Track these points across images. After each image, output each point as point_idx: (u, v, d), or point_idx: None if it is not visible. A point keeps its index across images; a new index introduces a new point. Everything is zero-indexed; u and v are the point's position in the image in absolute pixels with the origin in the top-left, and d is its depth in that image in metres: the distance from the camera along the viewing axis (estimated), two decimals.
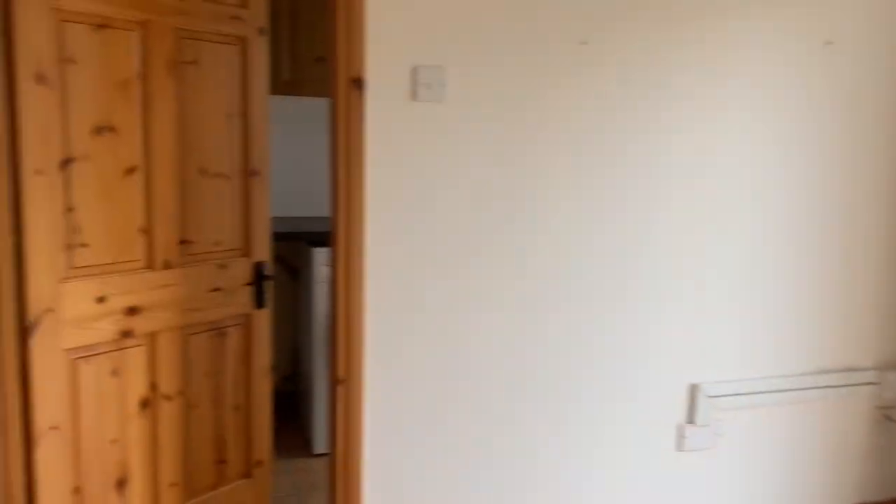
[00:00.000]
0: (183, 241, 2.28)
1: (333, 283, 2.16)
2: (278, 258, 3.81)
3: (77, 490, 2.09)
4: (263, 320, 2.55)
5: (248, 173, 2.44)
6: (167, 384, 2.29)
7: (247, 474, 2.58)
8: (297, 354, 3.86)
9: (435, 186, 2.28)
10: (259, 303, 2.50)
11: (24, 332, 1.93)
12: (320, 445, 3.36)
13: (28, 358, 1.94)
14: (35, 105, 1.89)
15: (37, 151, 1.90)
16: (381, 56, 2.14)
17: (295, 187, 3.86)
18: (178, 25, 2.18)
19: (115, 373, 2.16)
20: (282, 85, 3.43)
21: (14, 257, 1.90)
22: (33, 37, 1.87)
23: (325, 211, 3.80)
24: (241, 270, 2.45)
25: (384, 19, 2.14)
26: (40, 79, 1.89)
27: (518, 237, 2.39)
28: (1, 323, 1.90)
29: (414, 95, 2.19)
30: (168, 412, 2.30)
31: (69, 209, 1.99)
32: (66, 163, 1.97)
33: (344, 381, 2.18)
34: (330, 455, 2.29)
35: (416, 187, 2.26)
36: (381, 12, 2.13)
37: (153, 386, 2.26)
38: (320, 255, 3.23)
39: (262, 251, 2.51)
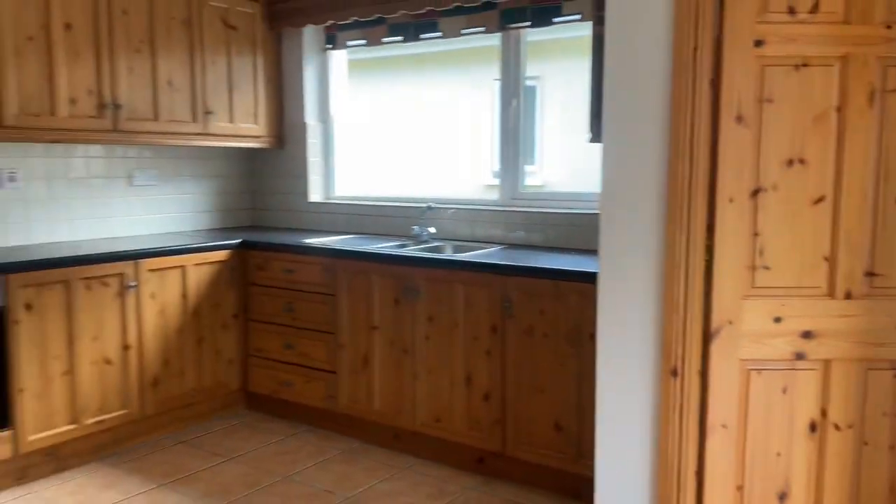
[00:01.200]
0: (869, 273, 2.24)
1: None
2: None
3: (739, 488, 2.30)
4: None
5: None
6: (837, 413, 2.28)
7: None
8: None
9: None
10: None
11: (706, 337, 2.24)
12: None
13: (707, 360, 2.24)
14: (733, 142, 2.17)
15: (730, 182, 2.18)
16: None
17: None
18: (882, 54, 2.15)
19: (784, 390, 2.27)
20: None
21: (704, 273, 2.22)
22: (737, 83, 2.15)
23: None
24: None
25: None
26: (739, 119, 2.16)
27: None
28: (690, 327, 2.25)
29: None
30: (836, 442, 2.29)
31: (755, 234, 2.21)
32: (755, 192, 2.19)
33: None
34: None
35: None
36: None
37: (823, 412, 2.29)
38: None
39: None
